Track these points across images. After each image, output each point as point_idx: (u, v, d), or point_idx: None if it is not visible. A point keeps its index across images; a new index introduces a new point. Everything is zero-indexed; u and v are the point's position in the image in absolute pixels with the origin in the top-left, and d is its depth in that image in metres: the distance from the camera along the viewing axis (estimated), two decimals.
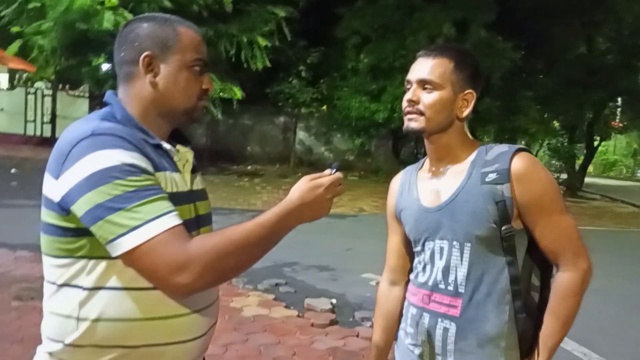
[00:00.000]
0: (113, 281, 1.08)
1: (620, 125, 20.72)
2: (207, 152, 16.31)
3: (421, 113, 1.40)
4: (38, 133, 16.43)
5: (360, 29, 14.44)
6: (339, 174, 1.16)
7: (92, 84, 12.32)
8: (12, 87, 17.36)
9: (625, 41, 17.03)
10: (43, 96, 16.67)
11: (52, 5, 8.91)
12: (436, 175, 1.48)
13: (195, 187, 1.25)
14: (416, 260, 1.53)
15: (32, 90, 16.78)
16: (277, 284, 5.18)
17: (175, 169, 1.19)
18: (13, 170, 11.33)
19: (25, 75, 18.21)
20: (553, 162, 18.09)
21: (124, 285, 1.08)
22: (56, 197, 1.06)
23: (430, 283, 1.45)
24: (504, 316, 1.38)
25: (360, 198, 11.88)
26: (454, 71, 1.40)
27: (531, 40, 16.35)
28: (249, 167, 16.28)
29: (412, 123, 1.42)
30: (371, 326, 3.60)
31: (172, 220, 1.04)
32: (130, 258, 1.03)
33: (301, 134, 17.63)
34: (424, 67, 1.42)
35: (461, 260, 1.40)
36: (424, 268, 1.48)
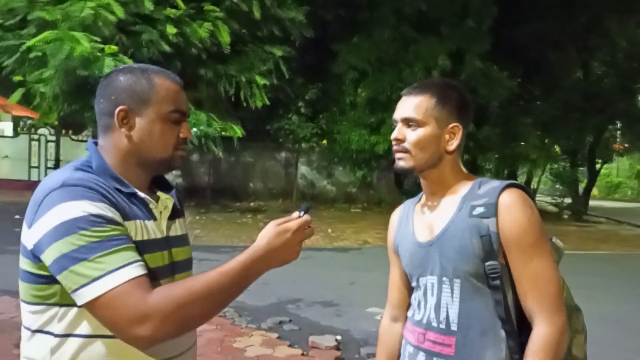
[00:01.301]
0: (83, 328, 1.10)
1: (622, 147, 20.75)
2: (210, 190, 16.39)
3: (407, 151, 1.41)
4: (42, 178, 16.50)
5: (357, 63, 14.67)
6: (307, 217, 1.16)
7: (95, 128, 12.45)
8: (16, 134, 17.60)
9: (620, 65, 17.22)
10: (47, 142, 16.90)
11: (53, 53, 9.07)
12: (430, 209, 1.47)
13: (172, 234, 1.27)
14: (413, 296, 1.51)
15: (35, 136, 17.01)
16: (280, 322, 5.12)
17: (150, 216, 1.21)
18: (17, 217, 11.37)
19: (29, 122, 18.48)
20: (556, 186, 18.02)
21: (93, 332, 1.10)
22: (29, 245, 1.09)
23: (424, 321, 1.42)
24: (501, 354, 1.32)
25: (364, 230, 11.84)
26: (436, 106, 1.41)
27: (527, 67, 16.57)
28: (252, 204, 16.29)
29: (401, 162, 1.43)
30: None
31: (135, 270, 1.05)
32: (92, 308, 1.04)
33: (303, 169, 17.71)
34: (407, 105, 1.43)
35: (452, 297, 1.36)
36: (419, 305, 1.45)
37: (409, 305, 1.56)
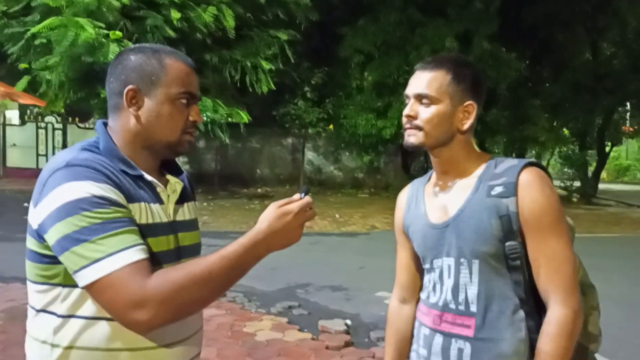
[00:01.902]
0: (85, 309, 1.09)
1: (631, 130, 20.54)
2: (217, 176, 16.39)
3: (419, 128, 1.37)
4: None
5: (363, 47, 14.53)
6: (308, 198, 1.13)
7: (102, 115, 12.44)
8: (23, 122, 17.62)
9: (630, 45, 16.97)
10: (54, 130, 16.92)
11: (57, 40, 9.05)
12: (443, 190, 1.43)
13: (179, 218, 1.25)
14: (426, 278, 1.48)
15: (42, 124, 17.03)
16: (290, 307, 5.11)
17: (156, 199, 1.19)
18: (26, 204, 11.42)
19: (35, 110, 18.49)
20: (565, 169, 17.90)
21: (96, 315, 1.09)
22: (34, 225, 1.09)
23: (440, 303, 1.39)
24: (520, 334, 1.31)
25: (372, 215, 11.81)
26: (452, 83, 1.36)
27: (536, 49, 16.36)
28: (259, 190, 16.29)
29: (411, 138, 1.39)
30: None
31: (136, 254, 1.03)
32: (91, 290, 1.04)
33: (310, 154, 17.66)
34: (420, 80, 1.38)
35: (470, 278, 1.34)
36: (434, 287, 1.42)
37: (419, 287, 1.54)
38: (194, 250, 1.28)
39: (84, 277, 1.02)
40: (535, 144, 17.57)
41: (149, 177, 1.18)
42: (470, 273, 1.34)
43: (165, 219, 1.19)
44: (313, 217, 1.14)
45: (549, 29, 15.87)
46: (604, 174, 22.27)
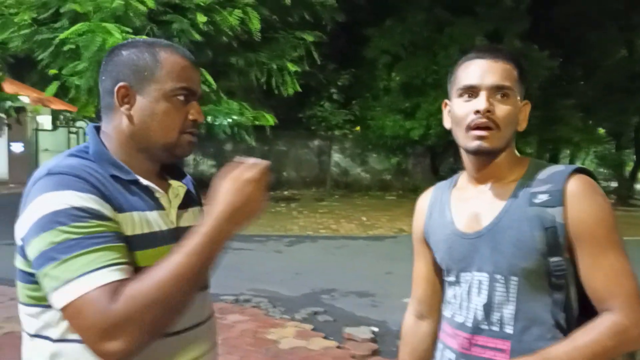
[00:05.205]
0: None
1: None
2: None
3: (498, 126, 1.18)
4: None
5: (389, 48, 14.39)
6: (265, 161, 1.01)
7: None
8: (55, 127, 17.98)
9: None
10: (85, 135, 17.24)
11: (85, 45, 9.14)
12: (475, 196, 1.27)
13: (183, 224, 1.13)
14: (450, 293, 1.32)
15: (74, 129, 17.36)
16: (315, 313, 5.00)
17: (155, 206, 1.08)
18: None
19: (67, 115, 18.88)
20: (601, 170, 17.39)
21: None
22: (19, 241, 0.99)
23: (470, 324, 1.23)
24: None
25: (399, 218, 11.62)
26: (519, 79, 1.22)
27: (568, 48, 15.99)
28: (285, 192, 16.26)
29: (485, 141, 1.18)
30: None
31: (110, 275, 0.91)
32: (65, 316, 0.93)
33: (336, 156, 17.57)
34: (496, 70, 1.20)
35: (507, 296, 1.18)
36: (461, 305, 1.26)
37: (439, 302, 1.39)
38: None
39: (56, 300, 0.91)
40: (569, 144, 17.15)
41: (145, 182, 1.07)
42: (508, 290, 1.18)
43: (165, 227, 1.08)
44: (270, 180, 1.01)
45: (580, 27, 15.48)
46: None
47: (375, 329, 4.51)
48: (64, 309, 0.91)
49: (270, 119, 11.92)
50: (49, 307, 0.98)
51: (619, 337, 1.07)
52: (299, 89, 12.29)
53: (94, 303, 0.88)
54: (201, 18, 10.17)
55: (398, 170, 16.89)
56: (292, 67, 11.85)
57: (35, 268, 0.94)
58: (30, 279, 0.99)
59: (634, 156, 17.98)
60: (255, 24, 10.89)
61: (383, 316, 4.97)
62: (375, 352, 4.01)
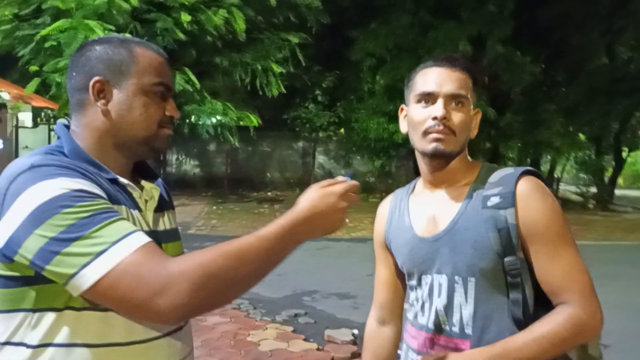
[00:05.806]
0: (62, 336, 0.94)
1: None
2: (227, 180, 16.35)
3: (454, 132, 1.23)
4: None
5: (374, 50, 14.42)
6: (354, 182, 1.03)
7: None
8: (35, 124, 17.71)
9: None
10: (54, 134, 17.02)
11: (67, 42, 9.07)
12: (431, 200, 1.31)
13: (160, 228, 1.11)
14: (412, 296, 1.34)
15: (54, 127, 17.12)
16: (296, 315, 4.98)
17: (134, 206, 1.05)
18: None
19: (49, 112, 18.61)
20: (581, 175, 17.62)
21: (74, 341, 0.94)
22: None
23: (432, 325, 1.26)
24: None
25: None
26: (473, 87, 1.27)
27: (550, 52, 16.13)
28: (269, 194, 16.22)
29: (441, 144, 1.22)
30: None
31: (142, 237, 0.89)
32: (100, 290, 0.87)
33: (320, 158, 17.59)
34: (453, 79, 1.24)
35: (466, 297, 1.21)
36: (423, 307, 1.29)
37: (400, 307, 1.44)
38: None
39: (87, 278, 0.86)
40: (550, 149, 17.33)
41: (124, 180, 1.04)
42: (466, 292, 1.21)
43: (145, 228, 1.05)
44: (357, 202, 1.02)
45: (563, 31, 15.63)
46: (620, 180, 21.93)
47: (356, 331, 4.50)
48: (98, 283, 0.86)
49: (254, 120, 11.90)
50: (24, 310, 0.94)
51: (575, 328, 1.11)
52: (284, 90, 12.29)
53: (141, 262, 0.86)
54: (185, 17, 10.12)
55: (382, 173, 16.93)
56: (277, 69, 11.85)
57: (41, 260, 0.88)
58: (7, 282, 0.94)
59: (614, 162, 18.26)
60: (240, 25, 10.87)
61: (364, 318, 4.89)
62: (355, 355, 4.01)
